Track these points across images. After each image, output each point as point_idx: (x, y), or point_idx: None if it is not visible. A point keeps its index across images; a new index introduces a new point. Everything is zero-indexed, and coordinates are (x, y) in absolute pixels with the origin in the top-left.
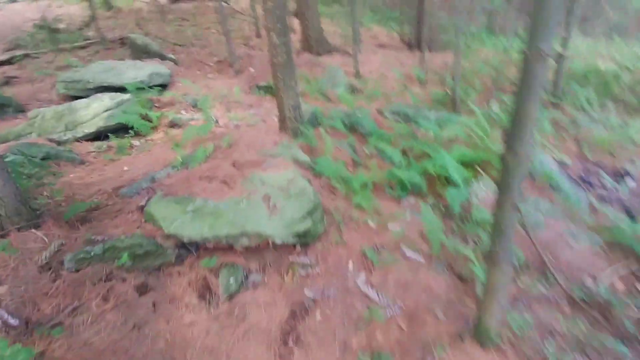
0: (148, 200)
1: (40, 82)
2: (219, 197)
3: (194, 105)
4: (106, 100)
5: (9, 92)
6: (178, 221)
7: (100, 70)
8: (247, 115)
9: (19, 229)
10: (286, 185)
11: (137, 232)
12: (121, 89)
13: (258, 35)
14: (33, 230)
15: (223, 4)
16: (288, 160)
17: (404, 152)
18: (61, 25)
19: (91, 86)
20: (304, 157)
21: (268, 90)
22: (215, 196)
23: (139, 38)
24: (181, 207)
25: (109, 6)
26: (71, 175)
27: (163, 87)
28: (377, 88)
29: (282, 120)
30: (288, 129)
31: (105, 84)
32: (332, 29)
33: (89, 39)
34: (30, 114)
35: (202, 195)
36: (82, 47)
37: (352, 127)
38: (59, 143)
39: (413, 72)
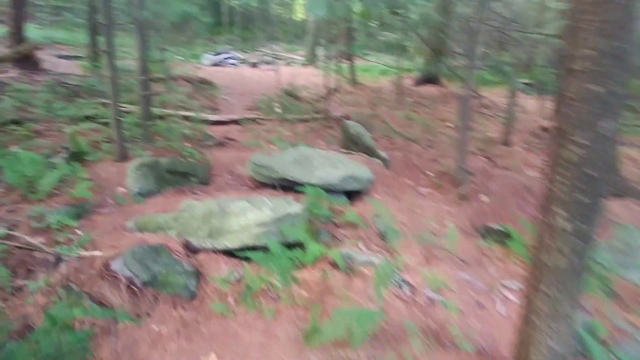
0: None
1: (247, 151)
2: None
3: (383, 237)
4: (266, 211)
5: (214, 155)
6: None
7: (292, 160)
8: (453, 280)
9: None
10: None
11: None
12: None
13: (506, 143)
14: None
15: (471, 93)
16: None
17: None
18: (305, 94)
19: (275, 176)
20: None
21: (501, 238)
22: None
23: (353, 126)
24: None
25: (354, 81)
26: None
27: (357, 194)
28: None
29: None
30: None
31: (288, 178)
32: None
33: (317, 113)
34: (182, 204)
35: None
36: (304, 121)
37: None
38: (194, 251)
39: None
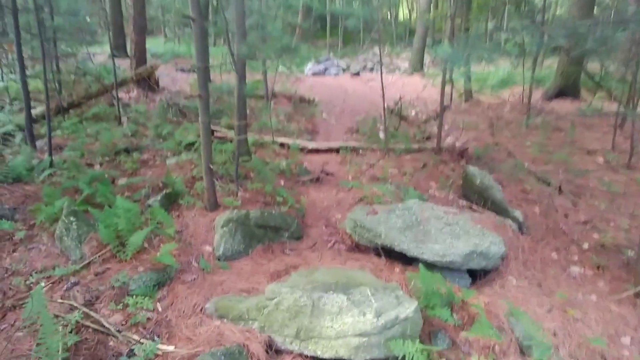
0: None
1: (347, 192)
2: None
3: (524, 352)
4: (369, 316)
5: (309, 197)
6: None
7: (401, 224)
8: None
9: None
10: None
11: None
12: (415, 260)
13: None
14: None
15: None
16: None
17: None
18: (412, 113)
19: (379, 242)
20: None
21: None
22: None
23: (478, 176)
24: None
25: (467, 96)
26: None
27: (484, 273)
28: None
29: None
30: None
31: (395, 249)
32: None
33: (426, 138)
34: (267, 289)
35: None
36: (412, 151)
37: None
38: (278, 351)
39: None
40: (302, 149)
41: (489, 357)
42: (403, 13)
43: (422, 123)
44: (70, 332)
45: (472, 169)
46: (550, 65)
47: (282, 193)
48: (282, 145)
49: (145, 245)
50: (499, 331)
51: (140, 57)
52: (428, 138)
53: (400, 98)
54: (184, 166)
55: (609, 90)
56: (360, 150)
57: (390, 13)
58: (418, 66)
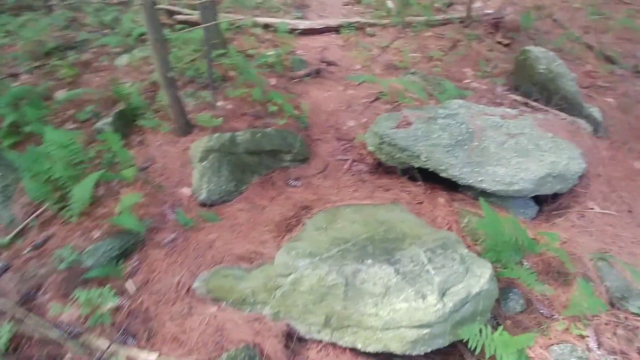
0: None
1: (357, 88)
2: None
3: (621, 307)
4: (430, 297)
5: (310, 98)
6: None
7: (448, 136)
8: None
9: None
10: None
11: None
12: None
13: None
14: None
15: None
16: None
17: None
18: None
19: (417, 164)
20: None
21: None
22: None
23: (542, 58)
24: None
25: None
26: None
27: (552, 198)
28: None
29: None
30: None
31: (444, 175)
32: None
33: (449, 6)
34: (278, 259)
35: None
36: (434, 25)
37: None
38: (302, 341)
39: None
40: (292, 31)
41: (581, 323)
42: None
43: None
44: (5, 351)
45: (536, 51)
46: None
47: (275, 98)
48: (265, 27)
49: (100, 193)
50: (585, 280)
51: None
52: (450, 5)
53: None
54: (140, 67)
55: None
56: (368, 28)
57: None
58: None
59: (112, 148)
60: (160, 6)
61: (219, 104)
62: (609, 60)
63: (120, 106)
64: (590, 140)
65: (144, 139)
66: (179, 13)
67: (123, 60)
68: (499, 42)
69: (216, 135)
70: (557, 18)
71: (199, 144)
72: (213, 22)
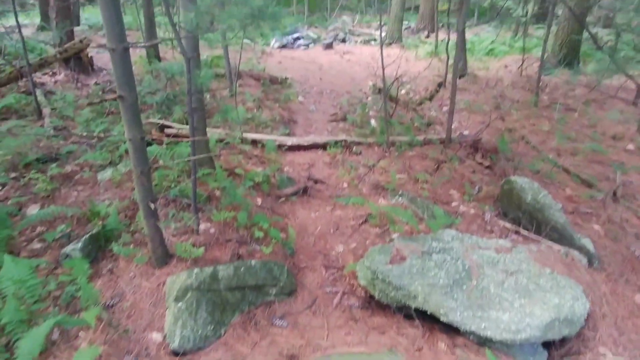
0: None
1: (345, 209)
2: None
3: None
4: None
5: (297, 219)
6: None
7: (444, 274)
8: None
9: None
10: None
11: None
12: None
13: None
14: None
15: None
16: None
17: None
18: (402, 92)
19: (413, 304)
20: None
21: None
22: None
23: (528, 189)
24: None
25: (462, 70)
26: None
27: (560, 343)
28: None
29: None
30: None
31: (441, 318)
32: None
33: (428, 126)
34: None
35: None
36: (416, 144)
37: None
38: None
39: None
40: (279, 147)
41: None
42: None
43: (417, 105)
44: None
45: (521, 182)
46: (535, 34)
47: (261, 222)
48: (254, 143)
49: (54, 337)
50: None
51: (68, 30)
52: (429, 125)
53: (397, 77)
54: (123, 183)
55: (615, 61)
56: (354, 147)
57: None
58: (396, 35)
59: (77, 280)
60: (151, 120)
61: (202, 227)
62: (587, 183)
63: (95, 227)
64: (587, 274)
65: (116, 267)
66: (171, 127)
67: (106, 174)
68: (480, 163)
69: (196, 271)
70: (530, 141)
71: (176, 280)
72: (201, 138)
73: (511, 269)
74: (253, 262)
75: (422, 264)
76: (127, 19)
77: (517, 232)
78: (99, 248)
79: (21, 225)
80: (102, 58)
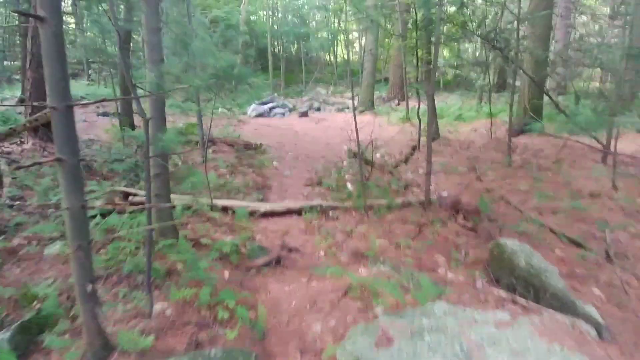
0: None
1: (322, 280)
2: None
3: None
4: None
5: (269, 296)
6: None
7: (441, 357)
8: None
9: None
10: None
11: None
12: None
13: None
14: None
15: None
16: None
17: None
18: (377, 155)
19: None
20: None
21: None
22: None
23: (520, 253)
24: None
25: (434, 135)
26: None
27: None
28: None
29: None
30: None
31: None
32: None
33: (405, 188)
34: None
35: None
36: (395, 207)
37: None
38: None
39: None
40: (252, 213)
41: None
42: (342, 52)
43: (393, 168)
44: None
45: (511, 244)
46: (499, 101)
47: (227, 299)
48: (224, 209)
49: None
50: None
51: (40, 99)
52: (406, 187)
53: (371, 140)
54: (70, 260)
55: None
56: (330, 211)
57: (329, 53)
58: (369, 104)
59: None
60: (115, 187)
61: (158, 307)
62: (575, 243)
63: (25, 317)
64: (599, 348)
65: None
66: (135, 195)
67: (54, 249)
68: (463, 226)
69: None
70: (510, 201)
71: None
72: (156, 205)
73: (517, 349)
74: (213, 351)
75: (413, 348)
76: (106, 90)
77: (514, 302)
78: (30, 338)
79: None
80: (86, 124)
